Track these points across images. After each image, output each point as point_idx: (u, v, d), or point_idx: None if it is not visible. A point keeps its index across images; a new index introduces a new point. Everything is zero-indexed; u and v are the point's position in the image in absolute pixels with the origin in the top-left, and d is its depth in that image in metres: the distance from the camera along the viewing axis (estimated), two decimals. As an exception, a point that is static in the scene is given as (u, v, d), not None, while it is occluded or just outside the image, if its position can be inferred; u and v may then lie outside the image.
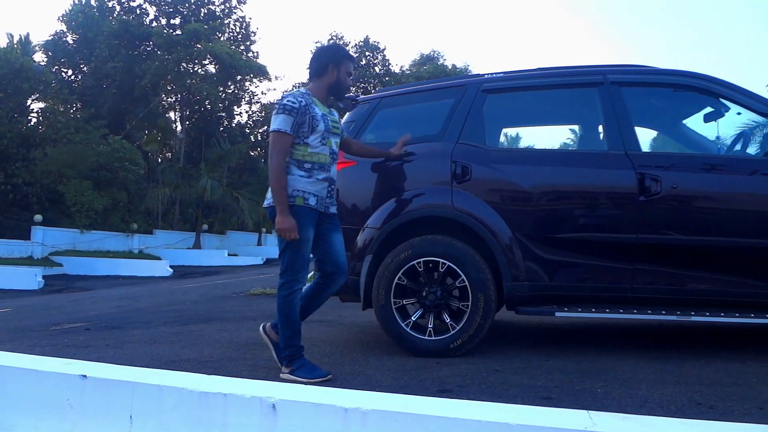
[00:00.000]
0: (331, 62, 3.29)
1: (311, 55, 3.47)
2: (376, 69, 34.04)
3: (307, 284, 3.32)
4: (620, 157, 3.62)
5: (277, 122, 3.12)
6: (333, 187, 3.31)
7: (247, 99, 32.14)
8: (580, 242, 3.61)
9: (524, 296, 3.61)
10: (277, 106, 3.17)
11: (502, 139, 4.75)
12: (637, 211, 3.52)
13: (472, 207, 3.66)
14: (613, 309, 3.52)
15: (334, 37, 34.29)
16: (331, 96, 3.34)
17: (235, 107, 31.82)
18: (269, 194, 3.19)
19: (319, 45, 27.43)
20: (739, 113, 3.88)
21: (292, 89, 31.56)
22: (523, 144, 5.14)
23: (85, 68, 28.09)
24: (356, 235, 3.79)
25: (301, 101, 3.15)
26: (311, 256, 3.28)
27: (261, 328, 3.43)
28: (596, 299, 3.63)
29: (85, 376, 2.42)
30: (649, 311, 3.48)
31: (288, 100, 3.14)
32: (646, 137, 4.22)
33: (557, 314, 3.52)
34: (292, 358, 3.15)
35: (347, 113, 4.18)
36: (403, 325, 3.62)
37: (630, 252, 3.53)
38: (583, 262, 3.60)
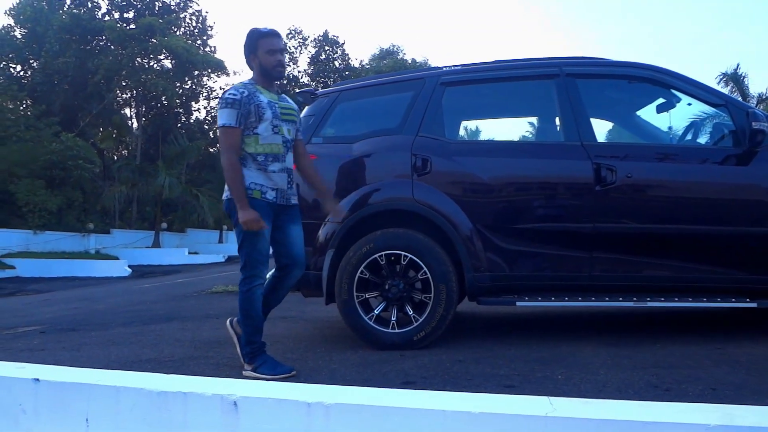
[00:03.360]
0: (249, 51, 3.19)
1: None
2: (336, 63, 33.88)
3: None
4: (576, 147, 3.67)
5: (222, 117, 3.07)
6: (291, 177, 3.23)
7: (205, 94, 31.60)
8: (539, 232, 3.66)
9: (485, 287, 3.64)
10: (220, 102, 3.11)
11: (461, 131, 4.79)
12: (594, 201, 3.58)
13: (432, 199, 3.67)
14: (572, 297, 3.59)
15: (293, 32, 34.01)
16: (269, 80, 3.22)
17: (193, 103, 31.27)
18: (227, 188, 3.13)
19: None
20: (689, 104, 3.98)
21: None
22: (482, 136, 5.18)
23: (34, 64, 27.14)
24: (318, 230, 3.76)
25: (243, 91, 3.08)
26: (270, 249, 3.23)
27: (228, 322, 3.34)
28: (555, 288, 3.68)
29: (38, 379, 2.35)
30: (607, 298, 3.56)
31: (229, 93, 3.09)
32: (601, 128, 4.30)
33: (518, 304, 3.58)
34: (254, 355, 3.11)
35: (306, 107, 4.14)
36: (366, 318, 3.62)
37: (587, 241, 3.60)
38: (542, 252, 3.66)
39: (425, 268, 3.56)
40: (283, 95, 3.32)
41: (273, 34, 3.18)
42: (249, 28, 3.21)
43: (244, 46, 3.21)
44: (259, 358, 3.10)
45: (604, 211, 3.59)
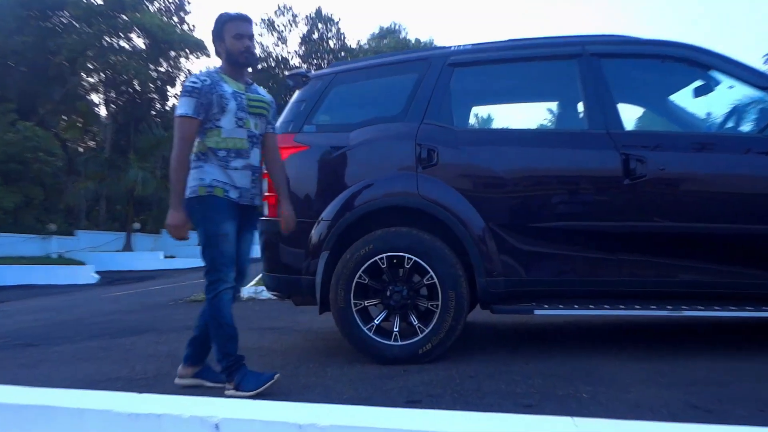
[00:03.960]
0: (215, 36, 3.28)
1: None
2: (330, 43, 33.94)
3: None
4: (602, 136, 3.67)
5: (179, 106, 3.13)
6: (257, 175, 3.29)
7: (182, 78, 31.62)
8: (559, 232, 3.65)
9: (500, 293, 3.63)
10: (182, 90, 3.18)
11: (472, 118, 4.77)
12: (622, 196, 3.58)
13: (439, 195, 3.67)
14: (597, 305, 3.57)
15: (282, 9, 34.07)
16: (237, 68, 3.27)
17: (169, 87, 31.30)
18: (188, 187, 3.16)
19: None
20: (731, 87, 3.96)
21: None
22: (495, 124, 5.16)
23: (-12, 44, 27.13)
24: (310, 230, 3.75)
25: (205, 80, 3.15)
26: None
27: (177, 378, 3.36)
28: (579, 294, 3.68)
29: (-8, 400, 2.33)
30: (638, 306, 3.54)
31: (190, 81, 3.16)
32: (630, 115, 4.28)
33: (536, 312, 3.56)
34: (232, 370, 3.11)
35: (297, 91, 4.14)
36: (365, 329, 3.61)
37: (615, 241, 3.59)
38: (564, 254, 3.65)
39: (432, 273, 3.56)
40: (255, 86, 3.37)
41: (241, 18, 3.25)
42: (218, 15, 3.28)
43: (212, 32, 3.29)
44: (238, 373, 3.10)
45: (634, 207, 3.58)
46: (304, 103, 4.03)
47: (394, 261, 3.63)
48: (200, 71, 3.28)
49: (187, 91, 3.12)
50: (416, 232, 3.64)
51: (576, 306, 3.58)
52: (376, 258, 3.60)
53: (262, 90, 3.41)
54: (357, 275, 3.61)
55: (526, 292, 3.68)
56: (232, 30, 3.22)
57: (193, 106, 3.10)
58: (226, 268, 3.13)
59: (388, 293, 3.63)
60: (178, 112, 3.12)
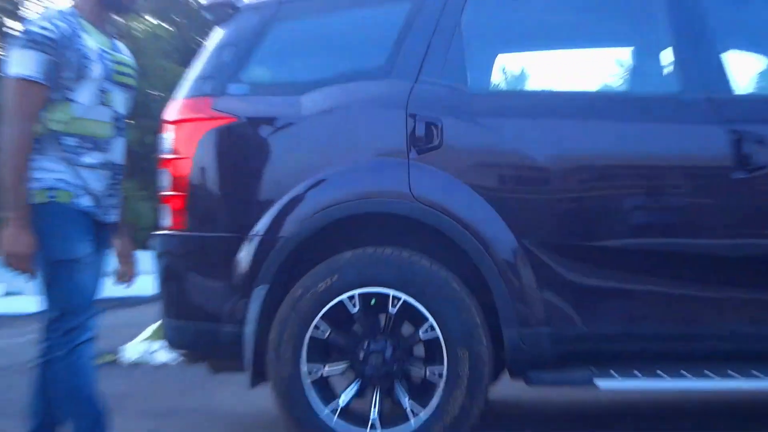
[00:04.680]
0: None
1: None
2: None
3: None
4: (698, 103, 3.69)
5: (19, 63, 3.04)
6: (118, 178, 3.31)
7: (36, 10, 31.60)
8: (634, 255, 3.66)
9: (541, 353, 3.60)
10: (20, 38, 3.08)
11: (496, 74, 4.75)
12: (732, 198, 3.59)
13: (444, 195, 3.66)
14: (693, 371, 3.52)
15: None
16: (109, 12, 3.31)
17: (9, 21, 31.27)
18: None
19: None
20: None
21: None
22: (531, 84, 5.14)
23: None
24: (236, 251, 3.71)
25: (62, 27, 3.08)
26: None
27: None
28: (662, 355, 3.67)
29: None
30: (756, 372, 3.50)
31: (39, 27, 3.07)
32: (743, 70, 4.28)
33: (600, 385, 3.51)
34: None
35: (219, 31, 4.07)
36: (324, 411, 3.55)
37: (722, 270, 3.60)
38: (641, 290, 3.64)
39: (432, 321, 3.51)
40: (117, 41, 3.41)
41: None
42: None
43: None
44: None
45: (750, 215, 3.61)
46: (231, 49, 4.00)
47: (373, 302, 3.59)
48: (49, 11, 3.22)
49: (34, 41, 3.02)
50: (408, 254, 3.60)
51: (660, 373, 3.53)
52: (344, 297, 3.55)
53: (123, 47, 3.44)
54: (312, 324, 3.55)
55: (581, 351, 3.67)
56: None
57: (43, 66, 3.02)
58: (84, 310, 3.12)
59: (362, 354, 3.57)
60: (18, 72, 3.02)
